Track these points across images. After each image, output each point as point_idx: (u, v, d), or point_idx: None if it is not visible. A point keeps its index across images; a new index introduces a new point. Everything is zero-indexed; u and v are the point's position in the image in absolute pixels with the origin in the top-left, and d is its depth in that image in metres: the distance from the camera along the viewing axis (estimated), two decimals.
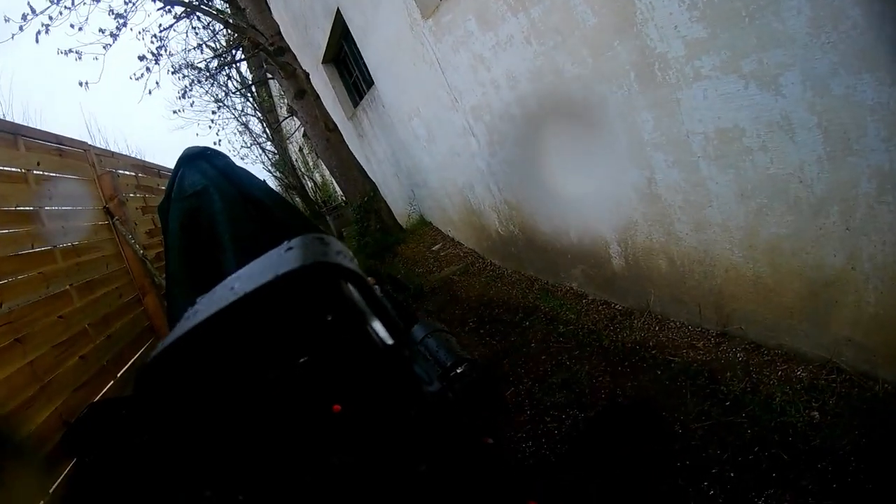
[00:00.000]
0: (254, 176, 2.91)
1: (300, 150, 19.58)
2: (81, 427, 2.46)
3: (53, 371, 2.72)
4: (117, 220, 4.20)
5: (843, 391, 2.16)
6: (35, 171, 3.29)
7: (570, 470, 2.37)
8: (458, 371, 1.27)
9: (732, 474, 2.03)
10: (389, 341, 0.83)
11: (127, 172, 5.05)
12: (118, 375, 3.39)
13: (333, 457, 0.81)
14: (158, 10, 7.21)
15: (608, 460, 2.34)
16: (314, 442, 0.82)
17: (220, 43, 10.89)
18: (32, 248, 2.96)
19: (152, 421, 0.83)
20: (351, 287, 0.82)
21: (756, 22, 1.94)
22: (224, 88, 15.56)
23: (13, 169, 3.12)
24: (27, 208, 3.12)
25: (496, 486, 0.99)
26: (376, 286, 1.04)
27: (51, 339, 2.81)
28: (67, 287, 3.19)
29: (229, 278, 0.88)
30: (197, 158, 2.66)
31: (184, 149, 2.72)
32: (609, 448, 2.43)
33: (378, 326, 0.83)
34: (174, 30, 7.46)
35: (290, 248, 0.85)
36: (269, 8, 7.84)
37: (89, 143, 4.38)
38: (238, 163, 2.85)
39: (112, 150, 5.23)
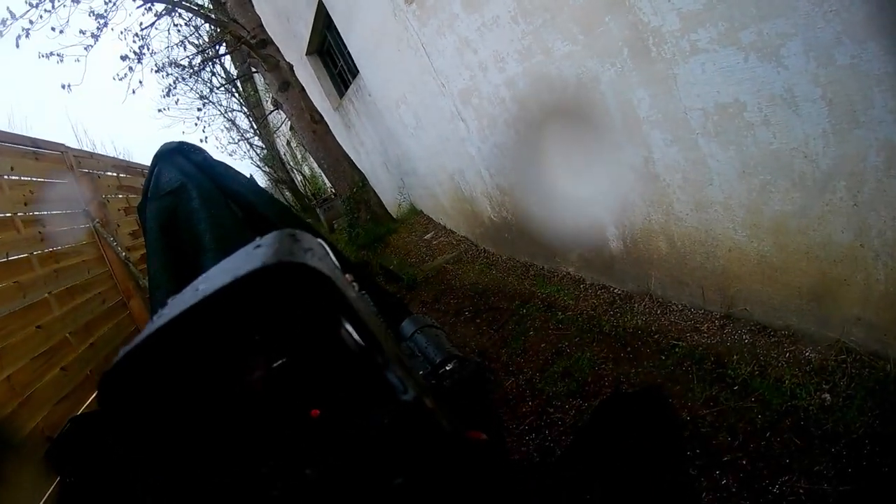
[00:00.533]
0: (235, 170, 2.80)
1: (288, 143, 19.54)
2: (64, 443, 2.38)
3: (33, 385, 2.64)
4: (98, 222, 4.10)
5: (853, 372, 2.10)
6: (9, 177, 3.18)
7: (575, 463, 2.30)
8: (448, 368, 1.25)
9: (744, 462, 1.98)
10: (361, 345, 0.79)
11: (108, 173, 4.94)
12: None
13: (303, 468, 0.77)
14: (139, 7, 7.08)
15: (615, 450, 2.27)
16: (280, 451, 0.79)
17: (202, 39, 10.77)
18: (7, 258, 2.86)
19: (117, 429, 0.79)
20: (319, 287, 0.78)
21: None
22: (208, 85, 15.45)
23: None
24: (2, 215, 3.03)
25: (487, 496, 0.95)
26: (354, 283, 0.98)
27: (29, 352, 2.72)
28: (46, 295, 3.10)
29: (198, 279, 0.84)
30: (173, 154, 2.55)
31: (160, 144, 2.62)
32: (615, 437, 2.37)
33: (350, 329, 0.79)
34: (156, 28, 7.31)
35: (258, 246, 0.81)
36: (250, 0, 7.70)
37: (71, 145, 4.29)
38: (226, 159, 2.76)
39: (99, 152, 5.15)
